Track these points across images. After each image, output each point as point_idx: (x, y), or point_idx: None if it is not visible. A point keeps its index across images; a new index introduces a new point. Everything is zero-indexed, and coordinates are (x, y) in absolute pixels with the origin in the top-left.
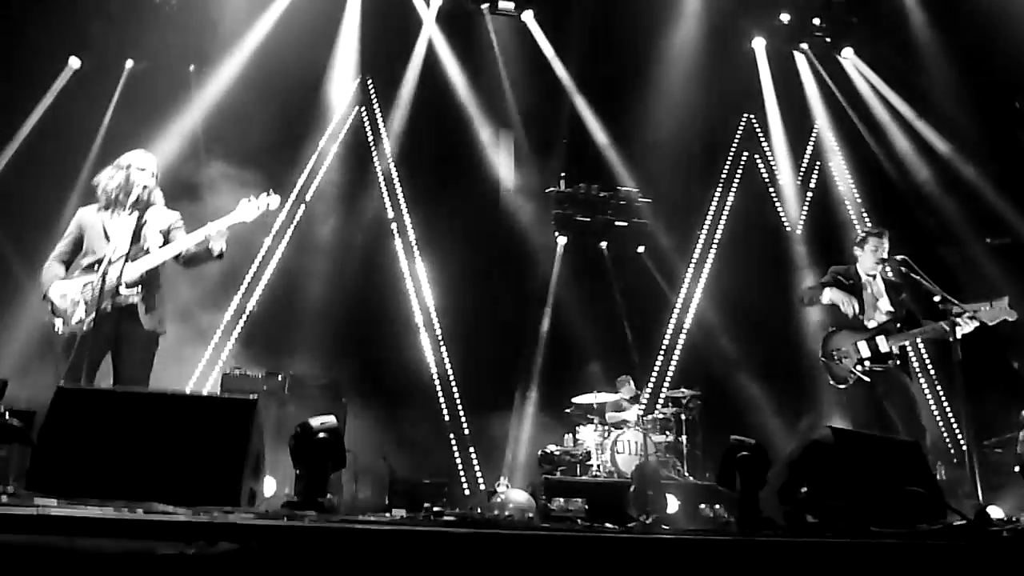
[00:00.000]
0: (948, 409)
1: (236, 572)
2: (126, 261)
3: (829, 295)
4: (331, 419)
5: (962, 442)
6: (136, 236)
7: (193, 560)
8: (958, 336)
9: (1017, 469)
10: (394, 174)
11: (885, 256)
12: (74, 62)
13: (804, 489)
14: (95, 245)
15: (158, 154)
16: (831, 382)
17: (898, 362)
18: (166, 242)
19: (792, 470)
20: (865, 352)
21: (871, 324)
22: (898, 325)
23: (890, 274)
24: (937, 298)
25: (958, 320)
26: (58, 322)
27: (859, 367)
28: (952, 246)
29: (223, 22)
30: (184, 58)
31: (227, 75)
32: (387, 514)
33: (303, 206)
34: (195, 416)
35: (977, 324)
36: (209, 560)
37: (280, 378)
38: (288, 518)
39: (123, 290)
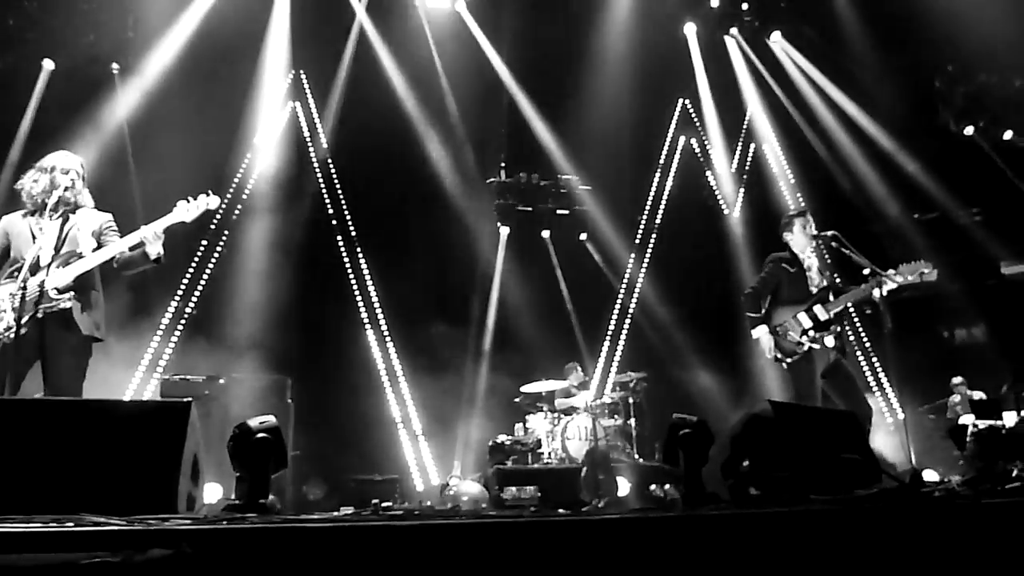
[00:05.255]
0: (883, 378)
1: None
2: (58, 266)
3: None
4: (271, 419)
5: (897, 409)
6: (62, 240)
7: (120, 568)
8: (882, 294)
9: (947, 433)
10: (332, 168)
11: (815, 232)
12: None
13: (746, 463)
14: (23, 251)
15: (84, 156)
16: (779, 356)
17: (839, 330)
18: (99, 245)
19: (734, 445)
20: (807, 323)
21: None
22: (830, 295)
23: (824, 253)
24: (867, 271)
25: (882, 279)
26: None
27: (805, 337)
28: (881, 221)
29: (145, 19)
30: (106, 57)
31: (153, 73)
32: (334, 512)
33: (240, 205)
34: (126, 423)
35: (900, 280)
36: (139, 567)
37: (222, 381)
38: (228, 521)
39: (54, 295)
